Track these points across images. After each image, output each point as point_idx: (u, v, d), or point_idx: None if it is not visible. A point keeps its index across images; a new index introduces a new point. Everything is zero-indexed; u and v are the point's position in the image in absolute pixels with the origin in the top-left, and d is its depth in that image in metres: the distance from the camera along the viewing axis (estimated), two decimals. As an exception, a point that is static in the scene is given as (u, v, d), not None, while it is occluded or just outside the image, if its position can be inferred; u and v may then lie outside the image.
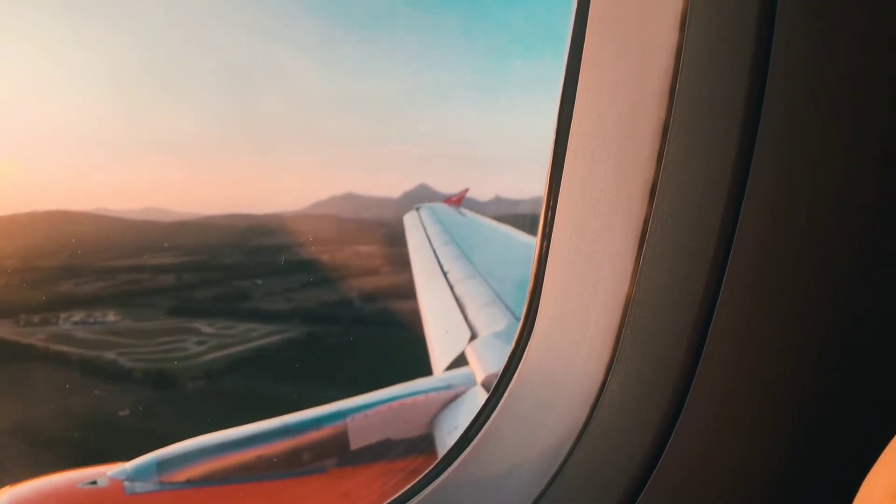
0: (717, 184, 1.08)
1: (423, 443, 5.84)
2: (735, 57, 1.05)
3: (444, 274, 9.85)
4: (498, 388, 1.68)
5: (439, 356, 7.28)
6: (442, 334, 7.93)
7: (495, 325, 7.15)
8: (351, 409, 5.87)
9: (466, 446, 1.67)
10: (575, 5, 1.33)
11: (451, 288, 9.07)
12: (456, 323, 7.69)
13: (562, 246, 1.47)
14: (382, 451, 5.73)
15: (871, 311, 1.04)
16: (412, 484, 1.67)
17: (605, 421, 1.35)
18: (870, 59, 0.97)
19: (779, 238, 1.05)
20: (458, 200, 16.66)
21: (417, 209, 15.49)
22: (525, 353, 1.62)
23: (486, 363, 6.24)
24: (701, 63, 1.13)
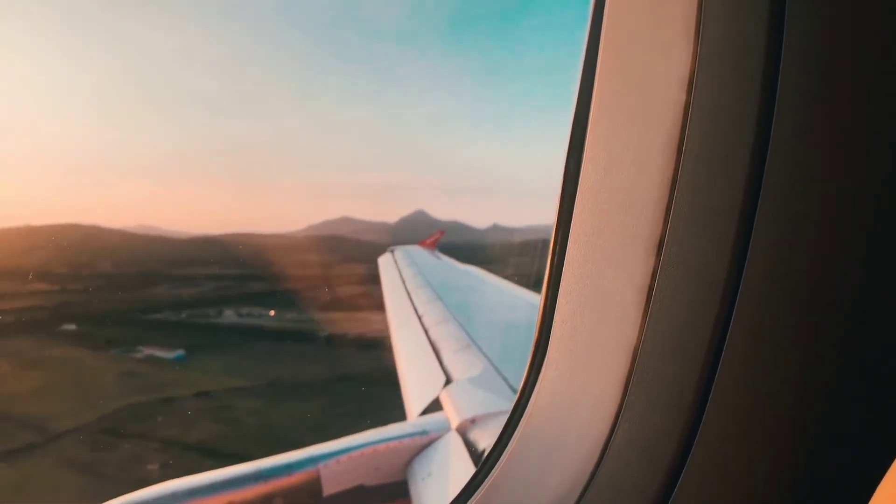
0: (722, 238, 1.12)
1: (397, 489, 5.77)
2: (740, 117, 1.09)
3: (419, 317, 9.83)
4: (503, 436, 1.68)
5: (413, 401, 7.23)
6: (416, 378, 7.89)
7: (470, 370, 7.13)
8: (323, 455, 5.79)
9: (473, 495, 1.66)
10: (582, 64, 1.36)
11: (426, 332, 9.05)
12: (430, 367, 7.66)
13: (569, 295, 1.49)
14: (355, 497, 5.65)
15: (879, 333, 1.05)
16: None
17: (613, 468, 1.37)
18: (874, 116, 0.99)
19: (781, 292, 1.08)
20: (433, 243, 16.70)
21: (392, 251, 15.49)
22: (531, 400, 1.63)
23: (460, 408, 6.20)
24: (708, 121, 1.17)
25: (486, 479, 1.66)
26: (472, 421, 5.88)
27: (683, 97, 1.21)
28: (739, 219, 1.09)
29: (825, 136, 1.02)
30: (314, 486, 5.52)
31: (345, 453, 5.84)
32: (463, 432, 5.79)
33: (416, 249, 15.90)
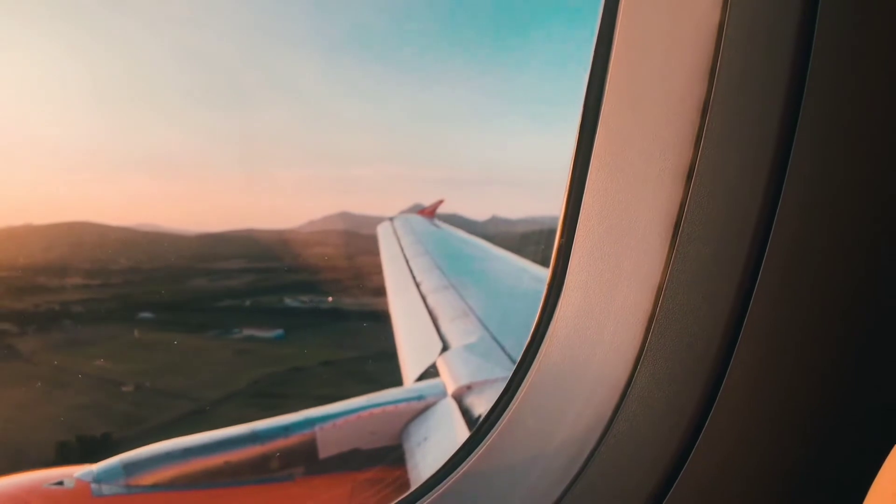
0: (757, 167, 1.04)
1: (393, 453, 5.81)
2: (777, 37, 1.01)
3: (417, 285, 9.84)
4: (515, 378, 1.58)
5: (410, 366, 7.27)
6: (413, 345, 7.92)
7: (467, 338, 7.15)
8: (320, 418, 5.83)
9: (482, 440, 1.58)
10: None
11: (424, 299, 9.07)
12: (427, 334, 7.69)
13: (588, 230, 1.39)
14: (351, 460, 5.70)
15: None
16: (423, 482, 1.60)
17: (633, 415, 1.29)
18: None
19: (819, 226, 1.01)
20: (432, 211, 16.65)
21: (392, 219, 15.46)
22: (545, 341, 1.53)
23: (456, 375, 6.24)
24: (743, 42, 1.08)
25: (495, 427, 1.58)
26: (468, 387, 5.91)
27: (717, 16, 1.11)
28: (776, 146, 1.02)
29: (865, 58, 0.97)
30: (310, 448, 5.57)
31: (341, 417, 5.89)
32: (459, 398, 5.82)
33: (415, 218, 15.85)
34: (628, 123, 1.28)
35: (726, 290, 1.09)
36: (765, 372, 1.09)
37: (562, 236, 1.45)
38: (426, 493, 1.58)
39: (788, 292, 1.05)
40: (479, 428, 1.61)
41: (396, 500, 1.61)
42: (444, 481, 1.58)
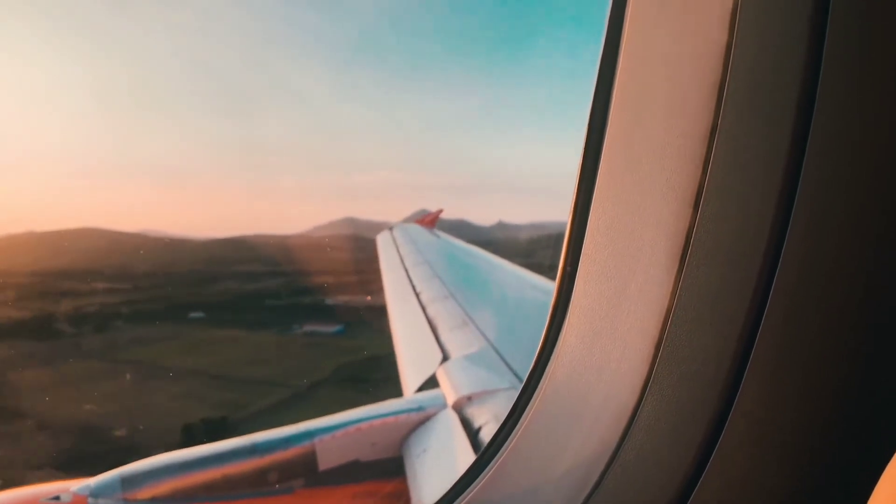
0: (765, 191, 1.02)
1: (393, 465, 5.78)
2: (785, 58, 1.00)
3: (417, 294, 9.83)
4: (518, 403, 1.56)
5: (410, 377, 7.25)
6: (413, 355, 7.90)
7: (467, 348, 7.13)
8: (319, 430, 5.80)
9: (486, 466, 1.55)
10: (610, 1, 1.24)
11: (423, 309, 9.05)
12: (427, 344, 7.67)
13: (594, 254, 1.36)
14: (351, 472, 5.67)
15: None
16: None
17: (640, 443, 1.26)
18: None
19: (828, 251, 0.99)
20: (432, 221, 16.65)
21: (391, 229, 15.46)
22: (549, 367, 1.50)
23: (456, 385, 6.21)
24: (752, 64, 1.06)
25: (498, 455, 1.54)
26: (468, 398, 5.89)
27: (725, 37, 1.08)
28: (785, 170, 1.00)
29: (874, 81, 0.95)
30: (309, 460, 5.54)
31: (341, 428, 5.86)
32: (459, 409, 5.80)
33: (414, 227, 15.86)
34: (634, 146, 1.26)
35: (735, 315, 1.07)
36: (773, 400, 1.07)
37: (566, 261, 1.43)
38: None
39: (798, 317, 1.03)
40: (483, 454, 1.58)
41: None
42: None
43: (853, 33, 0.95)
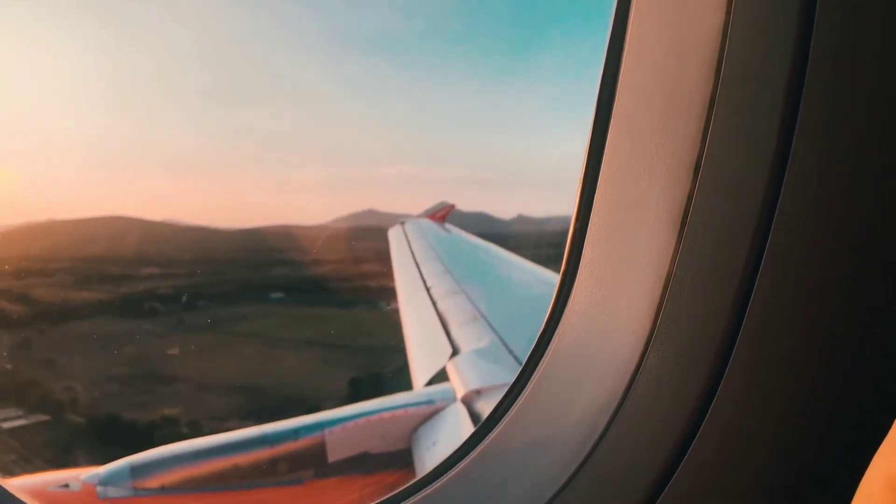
0: (759, 162, 1.08)
1: (402, 457, 5.79)
2: (778, 35, 1.05)
3: (427, 289, 9.84)
4: (528, 365, 1.65)
5: (420, 371, 7.25)
6: (423, 349, 7.91)
7: (477, 342, 7.14)
8: (329, 422, 5.82)
9: (499, 421, 1.64)
10: None
11: (434, 303, 9.06)
12: (438, 338, 7.68)
13: (601, 221, 1.45)
14: (360, 464, 5.68)
15: None
16: (437, 465, 1.65)
17: (643, 395, 1.34)
18: None
19: (820, 217, 1.05)
20: (443, 216, 16.66)
21: (402, 224, 15.48)
22: (559, 328, 1.59)
23: (466, 379, 6.22)
24: (746, 41, 1.13)
25: (509, 411, 1.63)
26: (478, 392, 5.89)
27: (721, 16, 1.15)
28: (778, 139, 1.06)
29: (865, 51, 1.00)
30: (319, 451, 5.56)
31: (351, 420, 5.88)
32: (468, 403, 5.80)
33: (426, 223, 15.88)
34: (639, 118, 1.34)
35: (730, 277, 1.14)
36: (767, 353, 1.13)
37: (575, 228, 1.51)
38: (444, 473, 1.62)
39: (790, 281, 1.09)
40: (496, 409, 1.66)
41: (429, 470, 1.65)
42: (461, 461, 1.63)
43: (840, 11, 1.00)
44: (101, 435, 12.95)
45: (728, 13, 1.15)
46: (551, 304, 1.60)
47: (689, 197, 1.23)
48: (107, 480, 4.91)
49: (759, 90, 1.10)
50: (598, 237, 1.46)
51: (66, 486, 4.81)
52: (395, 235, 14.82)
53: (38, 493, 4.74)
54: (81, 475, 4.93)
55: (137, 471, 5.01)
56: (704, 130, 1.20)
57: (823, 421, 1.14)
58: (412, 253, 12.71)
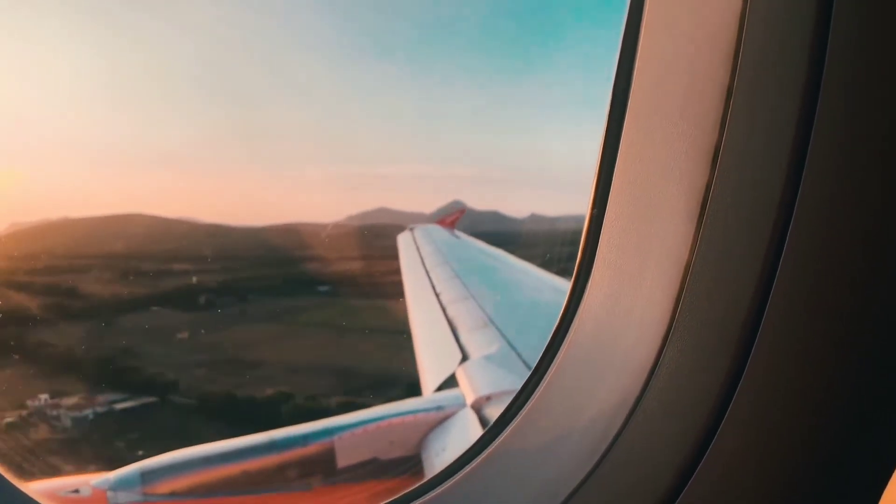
0: (779, 149, 1.06)
1: (411, 463, 5.78)
2: (795, 20, 1.04)
3: (437, 295, 9.83)
4: (542, 362, 1.62)
5: (430, 377, 7.24)
6: (433, 355, 7.89)
7: (487, 348, 7.12)
8: (339, 427, 5.81)
9: (511, 420, 1.62)
10: None
11: (443, 309, 9.05)
12: (447, 344, 7.66)
13: (617, 211, 1.43)
14: (369, 470, 5.67)
15: None
16: (448, 465, 1.63)
17: (662, 391, 1.32)
18: None
19: (841, 205, 1.03)
20: (452, 222, 16.66)
21: (411, 229, 15.49)
22: (575, 320, 1.56)
23: (476, 385, 6.20)
24: (763, 27, 1.11)
25: (522, 410, 1.60)
26: (488, 398, 5.87)
27: (739, 4, 1.14)
28: (797, 127, 1.04)
29: (884, 40, 0.98)
30: (328, 457, 5.55)
31: (360, 426, 5.86)
32: (478, 409, 5.78)
33: (435, 228, 15.88)
34: (655, 107, 1.32)
35: (751, 267, 1.11)
36: (789, 347, 1.11)
37: (591, 220, 1.49)
38: (455, 473, 1.61)
39: (811, 271, 1.07)
40: (509, 408, 1.64)
41: (441, 469, 1.64)
42: (472, 462, 1.61)
43: None
44: (217, 413, 13.96)
45: (745, 1, 1.13)
46: (566, 298, 1.58)
47: (708, 187, 1.21)
48: (117, 486, 4.91)
49: (777, 79, 1.08)
50: (614, 229, 1.44)
51: (77, 491, 4.81)
52: (404, 241, 14.82)
53: (48, 498, 4.74)
54: (91, 480, 4.93)
55: (147, 476, 5.01)
56: (722, 120, 1.18)
57: (846, 417, 1.11)
58: (421, 259, 12.71)
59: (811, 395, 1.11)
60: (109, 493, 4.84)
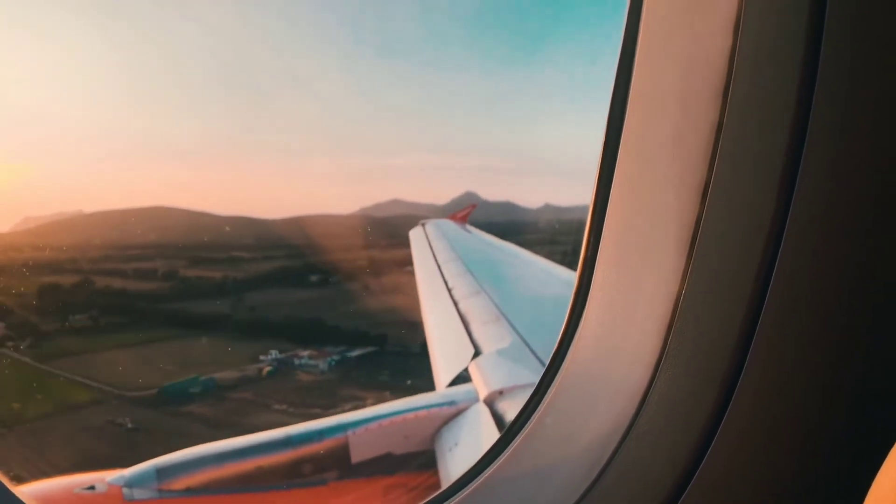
0: (766, 185, 1.10)
1: (425, 458, 5.79)
2: (785, 61, 1.07)
3: (449, 290, 9.82)
4: (542, 384, 1.66)
5: (442, 372, 7.24)
6: (445, 350, 7.89)
7: (499, 343, 7.11)
8: (352, 423, 5.83)
9: (510, 443, 1.65)
10: (627, 6, 1.33)
11: (456, 304, 9.03)
12: (460, 339, 7.65)
13: (611, 244, 1.47)
14: (383, 465, 5.69)
15: None
16: (452, 483, 1.66)
17: (653, 417, 1.36)
18: None
19: (826, 241, 1.06)
20: (464, 217, 16.63)
21: (423, 224, 15.48)
22: (570, 349, 1.60)
23: (489, 380, 6.19)
24: (753, 66, 1.14)
25: (524, 428, 1.63)
26: (500, 392, 5.86)
27: (729, 41, 1.18)
28: (784, 164, 1.07)
29: (869, 82, 1.01)
30: (343, 452, 5.57)
31: (374, 421, 5.88)
32: (490, 403, 5.78)
33: (446, 223, 15.86)
34: (648, 142, 1.36)
35: (739, 298, 1.15)
36: (776, 376, 1.14)
37: (587, 250, 1.53)
38: (458, 491, 1.63)
39: (798, 301, 1.10)
40: (510, 429, 1.67)
41: (432, 496, 1.66)
42: (474, 481, 1.63)
43: (847, 36, 1.02)
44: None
45: (735, 38, 1.16)
46: (563, 325, 1.62)
47: (698, 219, 1.25)
48: (132, 482, 4.95)
49: (766, 114, 1.11)
50: (609, 260, 1.49)
51: (92, 487, 4.85)
52: (416, 236, 14.81)
53: (63, 495, 4.79)
54: (107, 477, 4.97)
55: (162, 473, 5.04)
56: (713, 154, 1.22)
57: (833, 441, 1.14)
58: (433, 254, 12.70)
59: (799, 419, 1.14)
60: (125, 490, 4.88)
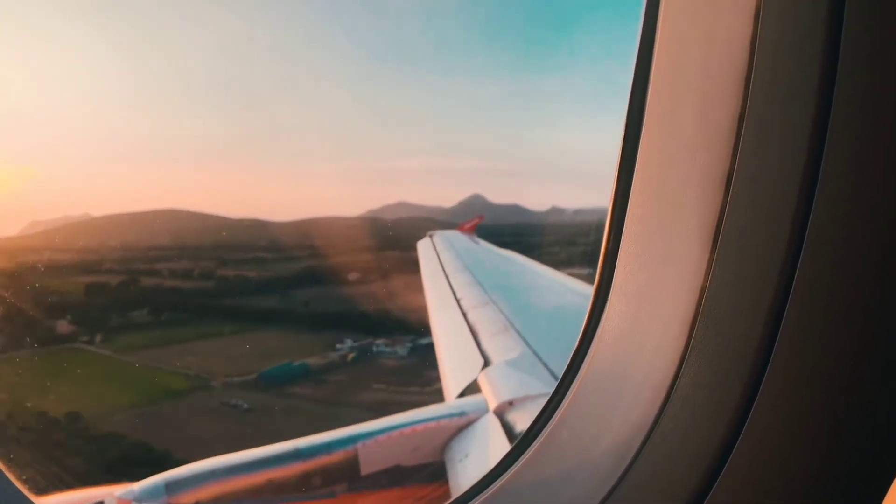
0: (790, 176, 1.08)
1: (435, 470, 5.76)
2: (807, 47, 1.05)
3: (457, 301, 9.81)
4: (563, 382, 1.65)
5: (452, 382, 7.22)
6: (454, 361, 7.88)
7: (508, 353, 7.09)
8: (362, 435, 5.80)
9: (532, 443, 1.64)
10: None
11: (464, 315, 9.02)
12: (469, 350, 7.64)
13: (633, 237, 1.45)
14: (393, 477, 5.66)
15: None
16: (478, 480, 1.65)
17: (678, 414, 1.34)
18: None
19: (852, 229, 1.05)
20: (472, 228, 16.66)
21: (431, 236, 15.50)
22: (592, 346, 1.59)
23: (498, 391, 6.17)
24: (774, 54, 1.13)
25: (547, 426, 1.62)
26: (510, 403, 5.84)
27: (750, 29, 1.16)
28: (808, 150, 1.05)
29: (893, 66, 0.99)
30: (352, 465, 5.54)
31: (383, 433, 5.86)
32: (500, 414, 5.75)
33: (454, 234, 15.90)
34: (669, 136, 1.34)
35: (764, 291, 1.13)
36: (801, 370, 1.12)
37: (608, 243, 1.51)
38: (476, 496, 1.63)
39: (824, 293, 1.08)
40: (530, 430, 1.66)
41: (457, 496, 1.66)
42: (497, 480, 1.64)
43: (869, 23, 1.00)
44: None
45: (755, 28, 1.15)
46: (584, 324, 1.60)
47: (721, 211, 1.23)
48: (142, 497, 4.93)
49: (789, 105, 1.09)
50: (630, 254, 1.47)
51: (101, 503, 4.83)
52: (423, 247, 14.83)
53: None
54: (116, 492, 4.95)
55: (172, 487, 5.02)
56: (735, 145, 1.20)
57: (858, 436, 1.11)
58: (441, 264, 12.70)
59: (825, 414, 1.11)
60: (135, 504, 4.87)
